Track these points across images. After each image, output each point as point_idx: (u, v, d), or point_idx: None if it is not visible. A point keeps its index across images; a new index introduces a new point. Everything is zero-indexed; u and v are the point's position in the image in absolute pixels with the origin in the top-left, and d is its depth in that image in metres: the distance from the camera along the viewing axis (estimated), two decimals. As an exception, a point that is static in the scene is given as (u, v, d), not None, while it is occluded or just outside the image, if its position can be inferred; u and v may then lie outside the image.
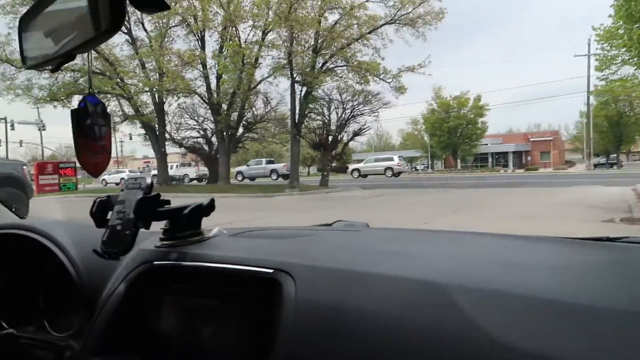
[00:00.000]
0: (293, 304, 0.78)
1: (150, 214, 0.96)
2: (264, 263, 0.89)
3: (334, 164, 26.65)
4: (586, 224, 8.89)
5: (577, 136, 70.65)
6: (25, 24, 0.92)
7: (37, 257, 1.22)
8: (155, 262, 0.99)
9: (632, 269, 0.86)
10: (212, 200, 1.05)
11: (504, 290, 0.70)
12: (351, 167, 43.02)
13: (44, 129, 51.91)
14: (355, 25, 21.83)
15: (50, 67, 0.91)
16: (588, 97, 47.26)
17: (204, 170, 33.15)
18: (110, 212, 0.97)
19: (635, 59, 13.77)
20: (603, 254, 0.96)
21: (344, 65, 22.97)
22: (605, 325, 0.60)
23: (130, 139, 48.51)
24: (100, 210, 0.98)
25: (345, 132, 25.14)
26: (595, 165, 50.92)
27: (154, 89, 22.96)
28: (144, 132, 26.71)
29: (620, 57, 15.39)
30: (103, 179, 37.90)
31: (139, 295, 1.00)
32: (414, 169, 61.97)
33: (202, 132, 27.83)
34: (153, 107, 25.07)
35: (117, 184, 33.32)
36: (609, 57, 15.87)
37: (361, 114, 24.13)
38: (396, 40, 22.77)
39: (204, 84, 23.81)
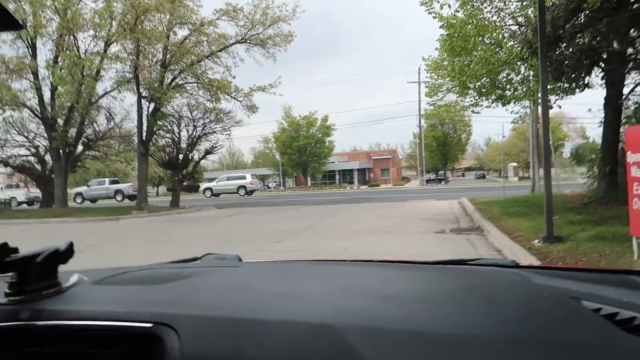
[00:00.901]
0: None
1: None
2: (140, 316, 0.78)
3: (185, 183, 25.75)
4: (423, 235, 9.86)
5: (412, 155, 77.89)
6: None
7: None
8: (0, 324, 0.83)
9: (486, 293, 0.96)
10: (71, 245, 0.92)
11: (390, 327, 0.72)
12: (203, 186, 42.03)
13: None
14: (206, 42, 21.57)
15: None
16: (420, 120, 52.66)
17: (35, 192, 29.73)
18: None
19: (457, 87, 15.58)
20: (461, 280, 1.06)
21: (194, 82, 22.52)
22: (468, 351, 0.66)
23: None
24: None
25: (197, 150, 24.62)
26: (427, 181, 56.52)
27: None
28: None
29: (445, 86, 17.36)
30: None
31: None
32: (266, 187, 62.65)
33: (33, 150, 25.00)
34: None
35: None
36: (436, 85, 17.78)
37: (213, 132, 23.86)
38: (247, 60, 23.02)
39: (36, 96, 21.43)
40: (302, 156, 55.03)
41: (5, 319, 0.82)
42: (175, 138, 23.61)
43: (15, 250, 0.87)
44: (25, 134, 24.30)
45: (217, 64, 22.11)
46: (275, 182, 64.57)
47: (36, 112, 21.87)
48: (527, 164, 48.91)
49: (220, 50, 21.78)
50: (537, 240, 7.51)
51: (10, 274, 0.88)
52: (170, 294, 0.95)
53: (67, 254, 0.91)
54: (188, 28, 21.11)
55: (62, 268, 0.97)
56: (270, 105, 43.62)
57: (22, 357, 0.82)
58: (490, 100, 14.93)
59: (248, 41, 22.27)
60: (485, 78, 13.75)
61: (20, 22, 0.72)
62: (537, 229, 8.31)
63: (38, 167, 25.48)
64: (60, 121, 21.66)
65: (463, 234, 9.86)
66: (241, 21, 21.66)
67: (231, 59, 22.29)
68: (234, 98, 22.65)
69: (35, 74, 21.01)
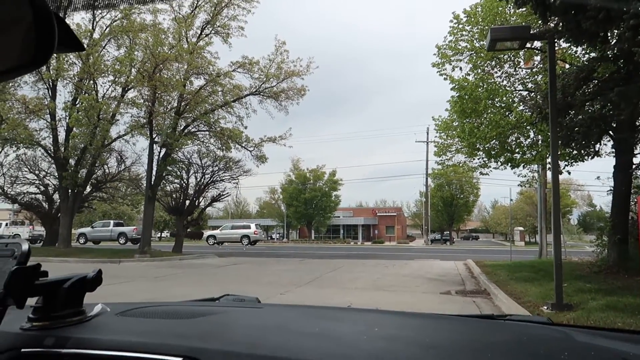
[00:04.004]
0: None
1: (26, 289, 0.78)
2: (170, 349, 0.75)
3: (189, 230, 25.67)
4: (429, 295, 9.66)
5: (417, 213, 77.59)
6: None
7: None
8: (23, 350, 0.80)
9: (536, 349, 0.92)
10: (99, 272, 0.92)
11: None
12: (207, 233, 41.88)
13: None
14: (220, 92, 22.09)
15: None
16: (427, 179, 52.97)
17: (39, 230, 29.70)
18: None
19: (466, 148, 15.69)
20: (503, 334, 1.03)
21: (206, 130, 22.90)
22: None
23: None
24: None
25: (204, 197, 24.70)
26: (432, 241, 56.00)
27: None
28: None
29: (454, 146, 17.48)
30: None
31: None
32: (269, 238, 62.30)
33: (42, 188, 25.23)
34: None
35: None
36: (445, 145, 17.91)
37: (221, 180, 24.03)
38: (260, 111, 23.46)
39: (51, 136, 21.87)
40: (308, 209, 55.02)
41: (28, 345, 0.80)
42: (184, 184, 23.80)
43: (45, 273, 0.86)
44: (37, 172, 24.62)
45: (230, 113, 22.58)
46: (279, 233, 64.24)
47: (49, 152, 22.24)
48: (533, 229, 48.51)
49: (234, 101, 22.25)
50: (545, 307, 7.31)
51: (36, 298, 0.87)
52: (199, 329, 0.92)
53: (95, 281, 0.91)
54: (204, 78, 21.71)
55: None
56: (279, 157, 44.21)
57: None
58: (499, 162, 14.99)
59: (262, 93, 22.78)
60: (494, 140, 13.87)
61: (83, 44, 0.72)
62: (545, 295, 8.11)
63: (45, 205, 25.62)
64: (72, 161, 21.97)
65: (469, 296, 9.65)
66: (256, 74, 22.27)
67: (244, 109, 22.78)
68: (244, 148, 22.95)
69: (53, 115, 21.52)
